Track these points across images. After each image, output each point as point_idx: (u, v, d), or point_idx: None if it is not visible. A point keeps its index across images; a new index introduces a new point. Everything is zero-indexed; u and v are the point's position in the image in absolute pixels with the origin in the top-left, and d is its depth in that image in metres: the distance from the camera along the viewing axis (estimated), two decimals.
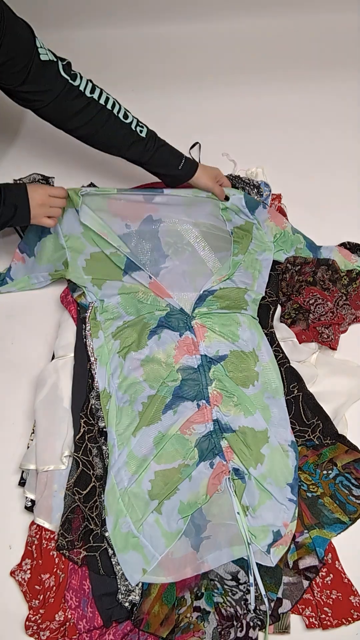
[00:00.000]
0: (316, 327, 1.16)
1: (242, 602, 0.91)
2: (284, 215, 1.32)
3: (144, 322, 1.11)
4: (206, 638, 0.90)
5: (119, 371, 1.08)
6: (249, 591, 0.92)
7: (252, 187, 1.31)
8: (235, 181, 1.31)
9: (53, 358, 1.14)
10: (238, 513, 0.96)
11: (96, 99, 1.07)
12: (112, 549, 0.95)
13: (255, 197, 1.27)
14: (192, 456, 1.00)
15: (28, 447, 1.07)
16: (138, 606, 0.91)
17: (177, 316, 1.12)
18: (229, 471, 0.99)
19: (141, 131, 1.11)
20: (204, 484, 0.98)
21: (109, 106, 1.08)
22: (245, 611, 0.91)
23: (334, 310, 1.17)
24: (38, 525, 0.99)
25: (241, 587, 0.92)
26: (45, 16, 1.52)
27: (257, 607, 0.91)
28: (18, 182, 1.34)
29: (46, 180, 1.34)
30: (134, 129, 1.10)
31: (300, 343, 1.14)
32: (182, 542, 0.95)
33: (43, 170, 1.36)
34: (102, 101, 1.07)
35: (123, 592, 0.93)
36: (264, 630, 0.91)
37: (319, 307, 1.17)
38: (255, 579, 0.92)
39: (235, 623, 0.90)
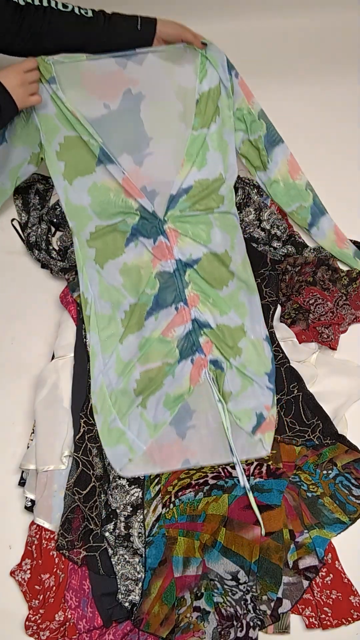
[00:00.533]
0: (316, 327, 1.16)
1: (242, 602, 0.91)
2: (284, 215, 1.32)
3: (118, 230, 1.09)
4: (206, 638, 0.90)
5: (97, 278, 1.09)
6: (248, 591, 0.92)
7: (252, 187, 1.30)
8: (235, 181, 1.31)
9: (53, 358, 1.14)
10: (219, 401, 1.01)
11: (30, 1, 1.04)
12: (112, 549, 0.95)
13: (255, 197, 1.27)
14: (174, 355, 1.04)
15: (28, 447, 1.07)
16: (138, 606, 0.91)
17: (149, 222, 1.08)
18: (207, 363, 1.03)
19: (86, 12, 1.08)
20: (187, 378, 1.03)
21: (44, 3, 1.05)
22: (245, 611, 0.91)
23: (334, 310, 1.17)
24: (38, 525, 0.99)
25: (241, 587, 0.92)
26: None
27: (257, 607, 0.91)
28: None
29: (46, 180, 1.34)
30: (77, 13, 1.07)
31: (300, 343, 1.14)
32: (167, 431, 1.01)
33: (42, 170, 1.36)
34: (36, 2, 1.05)
35: (123, 592, 0.93)
36: (264, 630, 0.91)
37: (319, 307, 1.17)
38: (240, 470, 0.98)
39: (235, 623, 0.90)
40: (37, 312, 1.23)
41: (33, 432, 1.08)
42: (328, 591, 0.94)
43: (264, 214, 1.25)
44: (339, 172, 1.42)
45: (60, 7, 1.06)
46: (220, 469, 1.01)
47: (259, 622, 0.90)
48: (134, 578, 0.94)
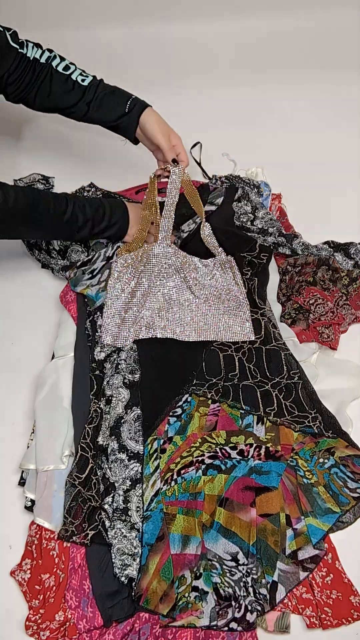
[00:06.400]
0: (316, 327, 1.16)
1: (241, 584, 0.92)
2: (284, 215, 1.32)
3: None
4: (204, 617, 0.90)
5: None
6: (248, 573, 0.92)
7: (252, 187, 1.31)
8: (236, 181, 1.31)
9: (53, 358, 1.14)
10: None
11: (38, 57, 1.09)
12: (110, 521, 0.96)
13: (253, 197, 1.27)
14: None
15: (28, 447, 1.07)
16: (137, 582, 0.92)
17: None
18: None
19: (83, 80, 1.12)
20: None
21: (53, 63, 1.10)
22: (244, 593, 0.91)
23: (334, 310, 1.17)
24: (38, 525, 0.99)
25: (240, 568, 0.93)
26: (45, 16, 1.53)
27: (257, 591, 0.91)
28: (17, 182, 1.34)
29: (46, 180, 1.34)
30: (74, 78, 1.11)
31: (300, 343, 1.14)
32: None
33: (43, 170, 1.36)
34: (42, 59, 1.10)
35: (119, 566, 0.93)
36: (264, 628, 0.91)
37: (319, 307, 1.17)
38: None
39: (233, 603, 0.90)
40: (37, 312, 1.23)
41: (33, 432, 1.08)
42: (328, 591, 0.94)
43: (259, 213, 1.26)
44: (339, 170, 1.42)
45: (60, 69, 1.11)
46: (217, 449, 1.01)
47: (258, 607, 0.91)
48: (130, 553, 0.95)
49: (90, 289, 1.17)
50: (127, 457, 1.01)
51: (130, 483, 0.99)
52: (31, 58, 1.09)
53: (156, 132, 1.13)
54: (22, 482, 1.05)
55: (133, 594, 0.91)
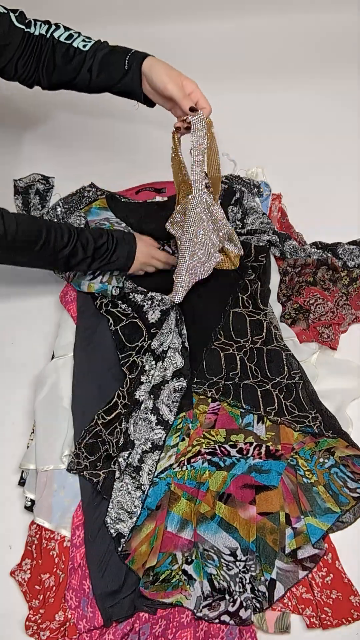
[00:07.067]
0: (316, 327, 1.16)
1: (238, 579, 0.92)
2: (284, 215, 1.32)
3: None
4: (190, 602, 0.91)
5: None
6: (247, 570, 0.92)
7: (252, 187, 1.31)
8: (235, 181, 1.31)
9: (53, 358, 1.14)
10: None
11: (44, 33, 1.03)
12: (120, 473, 0.99)
13: (249, 202, 1.27)
14: None
15: (28, 446, 1.07)
16: (127, 540, 0.94)
17: None
18: None
19: (85, 46, 1.02)
20: None
21: (55, 34, 1.03)
22: (241, 589, 0.91)
23: (334, 310, 1.17)
24: (38, 525, 0.99)
25: (238, 564, 0.93)
26: (45, 16, 1.52)
27: (256, 588, 0.91)
28: (17, 182, 1.34)
29: (46, 180, 1.34)
30: (75, 46, 1.02)
31: (300, 343, 1.14)
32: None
33: (43, 169, 1.36)
34: (48, 34, 1.03)
35: (113, 517, 0.95)
36: (264, 630, 0.90)
37: (319, 307, 1.17)
38: None
39: (227, 597, 0.91)
40: (37, 312, 1.23)
41: (33, 432, 1.08)
42: (328, 591, 0.94)
43: (249, 219, 1.26)
44: (339, 170, 1.42)
45: (63, 39, 1.03)
46: (216, 446, 1.02)
47: (256, 605, 0.91)
48: (128, 510, 0.96)
49: (95, 284, 1.17)
50: (156, 421, 1.03)
51: (150, 445, 1.01)
52: (37, 35, 1.02)
53: (164, 81, 0.96)
54: (22, 482, 1.05)
55: (120, 549, 0.94)
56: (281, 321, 1.18)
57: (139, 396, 1.05)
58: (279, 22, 1.65)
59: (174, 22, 1.63)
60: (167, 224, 1.11)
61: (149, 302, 1.15)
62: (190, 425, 1.04)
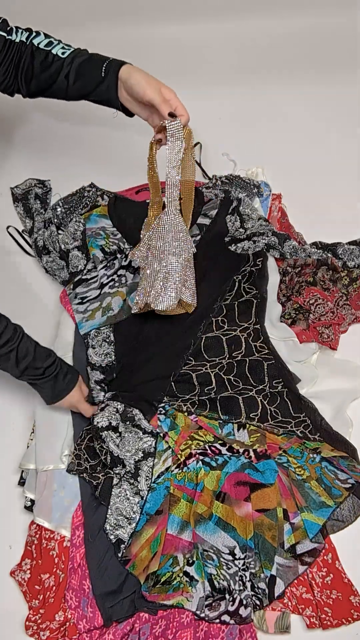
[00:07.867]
0: (316, 327, 1.16)
1: (237, 578, 0.92)
2: (284, 215, 1.32)
3: None
4: (192, 603, 0.91)
5: None
6: (247, 568, 0.92)
7: (252, 187, 1.31)
8: (235, 181, 1.31)
9: None
10: None
11: (24, 40, 1.01)
12: (118, 479, 0.98)
13: (246, 208, 1.27)
14: None
15: (28, 446, 1.07)
16: (127, 546, 0.94)
17: None
18: None
19: (63, 53, 1.00)
20: None
21: (35, 41, 1.01)
22: (240, 588, 0.91)
23: (334, 310, 1.17)
24: (38, 525, 0.99)
25: (237, 562, 0.93)
26: (45, 16, 1.53)
27: (256, 585, 0.91)
28: (15, 189, 1.34)
29: (42, 184, 1.34)
30: (54, 53, 1.00)
31: (300, 343, 1.14)
32: None
33: (41, 170, 1.36)
34: (27, 41, 1.01)
35: (112, 524, 0.95)
36: (264, 630, 0.90)
37: (319, 307, 1.17)
38: None
39: (227, 597, 0.91)
40: (37, 312, 1.23)
41: (33, 432, 1.08)
42: (328, 591, 0.94)
43: (247, 225, 1.25)
44: (339, 170, 1.42)
45: (42, 46, 1.02)
46: (206, 446, 1.01)
47: (256, 602, 0.91)
48: (127, 516, 0.96)
49: (77, 315, 1.16)
50: (142, 431, 1.03)
51: (142, 455, 1.01)
52: (18, 42, 1.01)
53: (143, 86, 0.95)
54: (22, 482, 1.05)
55: (120, 555, 0.93)
56: (281, 321, 1.18)
57: (113, 422, 1.03)
58: (279, 23, 1.65)
59: (174, 22, 1.63)
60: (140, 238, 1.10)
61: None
62: (167, 431, 1.03)
